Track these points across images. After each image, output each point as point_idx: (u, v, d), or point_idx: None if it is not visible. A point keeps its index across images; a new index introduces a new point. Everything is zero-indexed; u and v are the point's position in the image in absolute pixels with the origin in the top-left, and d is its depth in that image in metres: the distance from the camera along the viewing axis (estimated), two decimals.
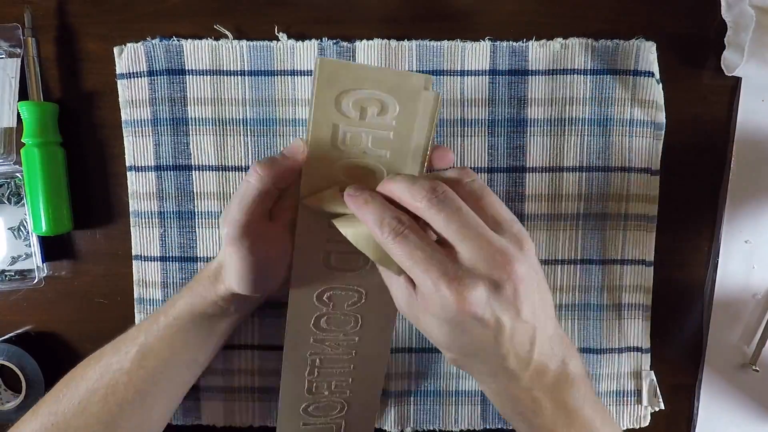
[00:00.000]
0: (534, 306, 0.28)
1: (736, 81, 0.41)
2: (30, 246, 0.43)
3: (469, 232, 0.27)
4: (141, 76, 0.41)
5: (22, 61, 0.42)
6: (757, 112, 0.41)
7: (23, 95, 0.42)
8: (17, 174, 0.43)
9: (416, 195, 0.28)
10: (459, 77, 0.41)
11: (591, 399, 0.31)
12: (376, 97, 0.29)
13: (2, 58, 0.42)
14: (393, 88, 0.29)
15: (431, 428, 0.43)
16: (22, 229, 0.44)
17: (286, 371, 0.37)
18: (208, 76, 0.41)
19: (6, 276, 0.44)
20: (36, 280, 0.43)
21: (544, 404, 0.30)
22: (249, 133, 0.41)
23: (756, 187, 0.42)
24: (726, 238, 0.42)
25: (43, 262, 0.43)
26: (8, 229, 0.44)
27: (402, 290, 0.30)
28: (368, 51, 0.40)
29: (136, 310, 0.43)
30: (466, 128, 0.41)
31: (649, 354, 0.43)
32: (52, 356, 0.44)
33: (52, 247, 0.43)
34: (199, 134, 0.41)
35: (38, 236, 0.42)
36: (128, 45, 0.41)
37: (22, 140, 0.41)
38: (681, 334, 0.43)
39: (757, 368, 0.42)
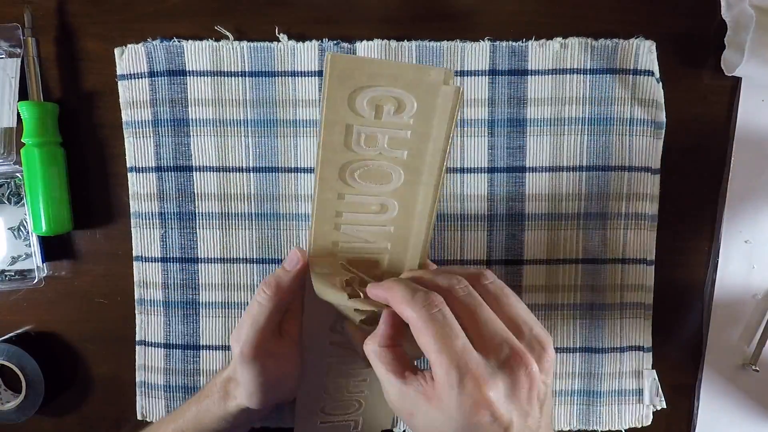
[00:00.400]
0: (540, 413, 0.27)
1: (736, 81, 0.41)
2: (30, 246, 0.43)
3: (489, 329, 0.27)
4: (142, 77, 0.41)
5: (22, 61, 0.42)
6: (757, 112, 0.41)
7: (23, 95, 0.42)
8: (17, 174, 0.43)
9: (441, 287, 0.28)
10: (459, 77, 0.41)
11: None
12: (392, 95, 0.27)
13: (2, 58, 0.42)
14: (410, 84, 0.27)
15: None
16: (22, 229, 0.44)
17: (303, 374, 0.36)
18: (209, 77, 0.41)
19: (6, 276, 0.44)
20: (36, 280, 0.43)
21: None
22: (249, 134, 0.41)
23: (756, 187, 0.42)
24: (726, 238, 0.42)
25: (43, 262, 0.43)
26: (8, 229, 0.44)
27: (392, 383, 0.28)
28: (368, 51, 0.40)
29: (136, 311, 0.43)
30: (466, 128, 0.41)
31: (651, 353, 0.43)
32: (52, 356, 0.44)
33: (52, 247, 0.43)
34: (200, 135, 0.41)
35: (38, 236, 0.42)
36: (129, 46, 0.41)
37: (22, 140, 0.41)
38: (681, 334, 0.43)
39: (757, 368, 0.42)
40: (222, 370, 0.37)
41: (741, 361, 0.43)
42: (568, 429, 0.43)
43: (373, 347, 0.29)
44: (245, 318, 0.33)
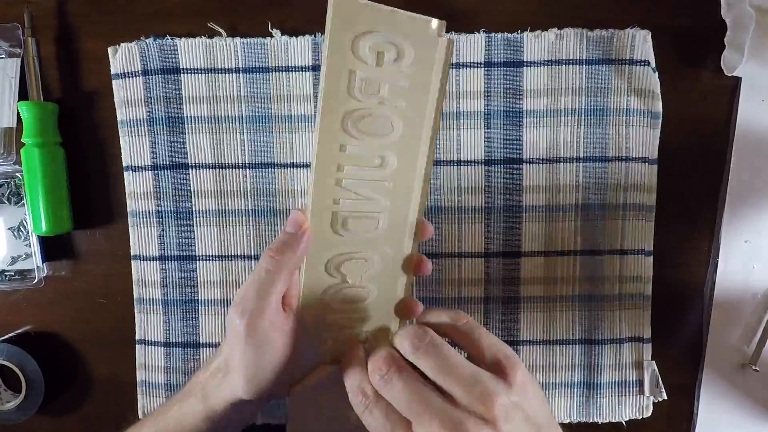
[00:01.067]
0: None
1: (736, 81, 0.41)
2: (30, 246, 0.43)
3: (460, 374, 0.27)
4: (136, 76, 0.41)
5: (22, 61, 0.42)
6: (757, 112, 0.41)
7: (23, 95, 0.42)
8: (17, 174, 0.43)
9: (404, 343, 0.29)
10: (454, 69, 0.41)
11: None
12: (392, 41, 0.27)
13: (2, 58, 0.42)
14: (409, 33, 0.27)
15: None
16: (22, 229, 0.44)
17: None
18: (203, 74, 0.41)
19: (6, 276, 0.44)
20: (36, 280, 0.43)
21: None
22: (245, 131, 0.41)
23: (756, 187, 0.42)
24: (726, 237, 0.42)
25: (43, 262, 0.43)
26: (8, 229, 0.44)
27: None
28: None
29: (135, 310, 0.43)
30: (462, 121, 0.41)
31: (650, 344, 0.43)
32: (52, 356, 0.44)
33: (52, 247, 0.43)
34: (195, 132, 0.41)
35: (38, 236, 0.42)
36: (122, 45, 0.41)
37: (22, 140, 0.41)
38: (681, 334, 0.43)
39: (757, 368, 0.42)
40: (206, 366, 0.34)
41: (741, 361, 0.43)
42: (568, 421, 0.43)
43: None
44: (249, 287, 0.30)
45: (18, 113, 0.41)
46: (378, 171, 0.29)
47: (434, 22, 0.27)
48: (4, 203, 0.44)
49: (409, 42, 0.27)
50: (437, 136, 0.30)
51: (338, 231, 0.30)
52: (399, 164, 0.29)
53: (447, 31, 0.40)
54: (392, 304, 0.32)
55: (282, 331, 0.30)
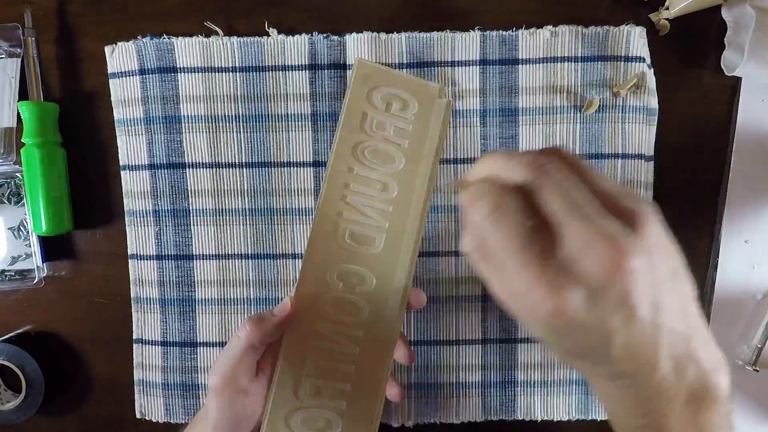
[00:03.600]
0: (657, 302, 0.22)
1: (736, 81, 0.41)
2: (30, 246, 0.43)
3: (578, 212, 0.22)
4: (133, 75, 0.41)
5: (22, 61, 0.42)
6: (757, 112, 0.41)
7: (23, 95, 0.42)
8: (17, 174, 0.43)
9: (520, 163, 0.24)
10: (449, 68, 0.41)
11: (727, 426, 0.25)
12: (400, 95, 0.34)
13: (2, 58, 0.42)
14: (414, 91, 0.34)
15: (432, 421, 0.43)
16: (22, 229, 0.44)
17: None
18: (200, 73, 0.41)
19: (6, 276, 0.44)
20: (36, 280, 0.43)
21: (672, 423, 0.24)
22: (242, 129, 0.41)
23: (756, 187, 0.42)
24: (726, 237, 0.42)
25: (43, 262, 0.43)
26: (8, 229, 0.44)
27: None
28: (358, 44, 0.40)
29: (133, 309, 0.43)
30: (458, 119, 0.41)
31: None
32: (52, 356, 0.44)
33: (52, 247, 0.43)
34: (192, 132, 0.41)
35: (38, 236, 0.42)
36: (119, 44, 0.41)
37: (22, 140, 0.41)
38: None
39: (757, 368, 0.42)
40: (197, 415, 0.38)
41: (741, 361, 0.43)
42: (567, 419, 0.43)
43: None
44: (223, 351, 0.33)
45: (18, 113, 0.41)
46: (380, 194, 0.34)
47: (433, 86, 0.34)
48: (4, 203, 0.44)
49: (413, 97, 0.34)
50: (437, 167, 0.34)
51: (340, 241, 0.34)
52: (399, 193, 0.34)
53: (441, 30, 0.40)
54: (384, 323, 0.34)
55: (250, 395, 0.34)
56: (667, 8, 0.40)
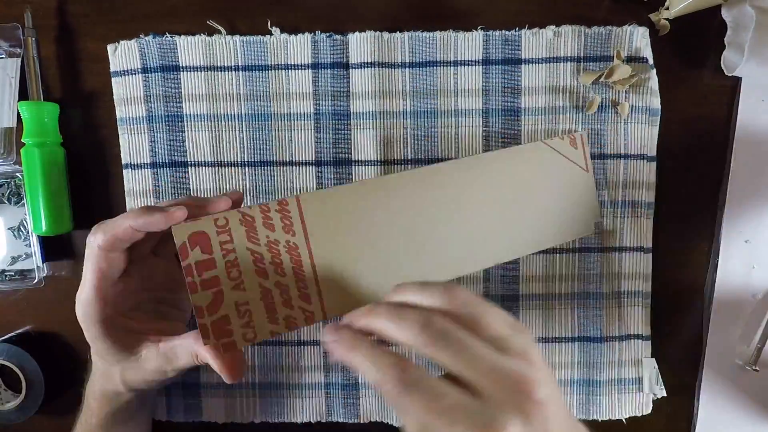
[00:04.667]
0: (562, 424, 0.25)
1: (736, 81, 0.41)
2: (30, 246, 0.43)
3: (481, 365, 0.24)
4: (135, 74, 0.41)
5: (22, 61, 0.42)
6: (757, 112, 0.41)
7: (23, 95, 0.42)
8: (17, 174, 0.43)
9: (407, 333, 0.25)
10: (452, 68, 0.41)
11: None
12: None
13: (2, 58, 0.42)
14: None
15: None
16: (22, 229, 0.44)
17: None
18: (202, 72, 0.41)
19: (6, 276, 0.44)
20: (36, 280, 0.43)
21: None
22: (244, 129, 0.41)
23: (756, 187, 0.42)
24: (726, 238, 0.42)
25: (43, 262, 0.43)
26: (8, 229, 0.44)
27: None
28: (361, 43, 0.40)
29: None
30: (460, 119, 0.41)
31: (650, 341, 0.43)
32: (52, 356, 0.44)
33: (52, 247, 0.43)
34: (195, 130, 0.41)
35: (38, 236, 0.42)
36: (122, 42, 0.41)
37: (22, 140, 0.41)
38: (681, 334, 0.43)
39: (757, 368, 0.42)
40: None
41: (741, 361, 0.43)
42: None
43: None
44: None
45: (18, 113, 0.41)
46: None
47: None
48: (4, 203, 0.44)
49: None
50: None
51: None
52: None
53: (444, 29, 0.40)
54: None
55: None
56: (667, 8, 0.40)
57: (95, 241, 0.32)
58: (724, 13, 0.41)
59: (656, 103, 0.41)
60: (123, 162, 0.42)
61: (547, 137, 0.41)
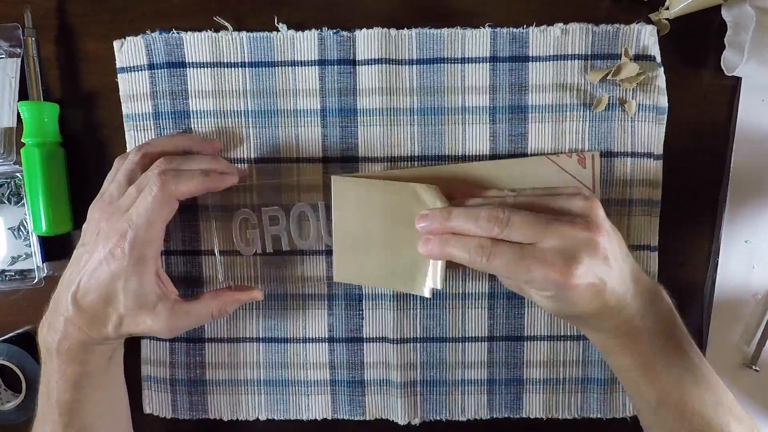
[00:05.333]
0: (617, 255, 0.33)
1: (736, 81, 0.41)
2: (30, 246, 0.43)
3: (545, 227, 0.32)
4: (141, 70, 0.41)
5: (22, 61, 0.42)
6: (757, 112, 0.41)
7: (23, 95, 0.42)
8: (17, 174, 0.43)
9: (484, 227, 0.33)
10: (460, 65, 0.41)
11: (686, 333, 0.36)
12: None
13: (2, 58, 0.42)
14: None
15: (438, 418, 0.43)
16: (22, 229, 0.44)
17: None
18: (209, 68, 0.41)
19: (6, 276, 0.44)
20: (36, 280, 0.43)
21: (647, 352, 0.34)
22: (250, 125, 0.41)
23: (756, 187, 0.42)
24: (726, 238, 0.42)
25: (43, 262, 0.43)
26: (8, 229, 0.44)
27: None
28: (368, 40, 0.40)
29: None
30: (467, 116, 0.41)
31: None
32: None
33: (52, 247, 0.43)
34: (201, 126, 0.41)
35: (38, 236, 0.42)
36: (128, 38, 0.41)
37: (22, 140, 0.41)
38: None
39: (758, 368, 0.42)
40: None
41: (741, 361, 0.43)
42: (572, 417, 0.43)
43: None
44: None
45: (18, 113, 0.41)
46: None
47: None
48: (4, 203, 0.44)
49: None
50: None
51: None
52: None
53: (451, 26, 0.41)
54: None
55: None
56: (667, 8, 0.40)
57: (174, 193, 0.34)
58: (724, 13, 0.41)
59: (663, 101, 0.41)
60: None
61: (555, 149, 0.41)
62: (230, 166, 0.38)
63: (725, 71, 0.41)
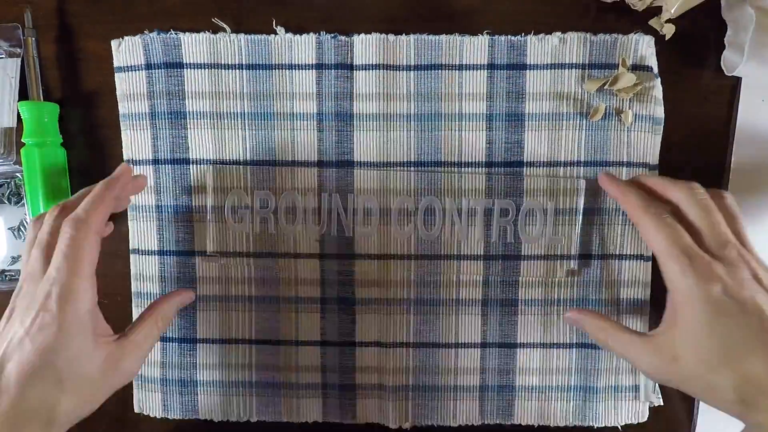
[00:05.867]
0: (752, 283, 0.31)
1: (736, 81, 0.41)
2: None
3: (717, 231, 0.32)
4: (138, 70, 0.41)
5: (22, 61, 0.42)
6: (757, 112, 0.41)
7: (23, 95, 0.42)
8: (17, 174, 0.43)
9: (678, 186, 0.35)
10: (457, 71, 0.41)
11: None
12: None
13: (2, 58, 0.42)
14: None
15: (429, 424, 0.43)
16: (22, 229, 0.44)
17: None
18: (206, 70, 0.41)
19: (6, 276, 0.44)
20: None
21: None
22: (247, 127, 0.41)
23: (756, 187, 0.42)
24: None
25: None
26: (8, 229, 0.44)
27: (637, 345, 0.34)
28: (366, 45, 0.40)
29: (133, 304, 0.43)
30: (464, 123, 0.41)
31: None
32: None
33: None
34: (197, 128, 0.41)
35: None
36: (126, 38, 0.41)
37: (22, 140, 0.41)
38: None
39: None
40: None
41: None
42: (564, 425, 0.43)
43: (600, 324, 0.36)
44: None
45: (18, 113, 0.41)
46: None
47: None
48: (4, 203, 0.44)
49: None
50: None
51: None
52: None
53: (450, 33, 0.40)
54: None
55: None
56: (667, 10, 0.40)
57: (89, 225, 0.31)
58: (724, 13, 0.41)
59: (660, 112, 0.41)
60: (124, 158, 0.42)
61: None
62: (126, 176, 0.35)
63: (725, 71, 0.41)
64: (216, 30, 0.41)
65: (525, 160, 0.41)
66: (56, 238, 0.31)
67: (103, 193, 0.33)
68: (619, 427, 0.43)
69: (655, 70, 0.40)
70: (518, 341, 0.42)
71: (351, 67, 0.41)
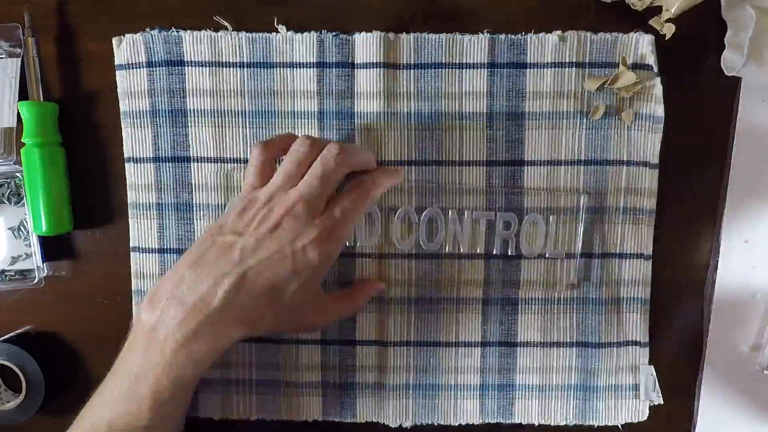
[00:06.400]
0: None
1: (736, 81, 0.41)
2: (30, 246, 0.43)
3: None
4: (140, 67, 0.41)
5: (22, 61, 0.42)
6: (757, 112, 0.41)
7: (23, 95, 0.42)
8: (17, 174, 0.43)
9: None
10: (457, 70, 0.41)
11: None
12: None
13: (2, 58, 0.42)
14: None
15: (430, 422, 0.43)
16: (22, 229, 0.44)
17: None
18: (207, 68, 0.41)
19: (6, 276, 0.44)
20: (36, 280, 0.43)
21: None
22: (248, 125, 0.41)
23: (756, 187, 0.42)
24: (726, 238, 0.42)
25: (43, 262, 0.43)
26: (8, 229, 0.44)
27: None
28: (366, 44, 0.40)
29: (133, 303, 0.43)
30: (464, 121, 0.41)
31: (648, 348, 0.43)
32: (52, 356, 0.44)
33: (52, 247, 0.43)
34: (198, 126, 0.41)
35: (38, 236, 0.42)
36: (127, 36, 0.41)
37: (22, 140, 0.41)
38: (681, 334, 0.43)
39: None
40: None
41: (741, 360, 0.43)
42: (564, 423, 0.43)
43: None
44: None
45: (18, 113, 0.41)
46: None
47: None
48: (4, 203, 0.44)
49: None
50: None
51: None
52: None
53: (450, 32, 0.40)
54: None
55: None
56: (667, 9, 0.40)
57: (386, 182, 0.38)
58: (724, 13, 0.41)
59: (660, 110, 0.41)
60: (125, 155, 0.42)
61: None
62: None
63: (725, 71, 0.41)
64: (217, 28, 0.41)
65: (525, 159, 0.41)
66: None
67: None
68: (620, 426, 0.43)
69: (656, 68, 0.40)
70: (518, 340, 0.42)
71: (352, 66, 0.41)
